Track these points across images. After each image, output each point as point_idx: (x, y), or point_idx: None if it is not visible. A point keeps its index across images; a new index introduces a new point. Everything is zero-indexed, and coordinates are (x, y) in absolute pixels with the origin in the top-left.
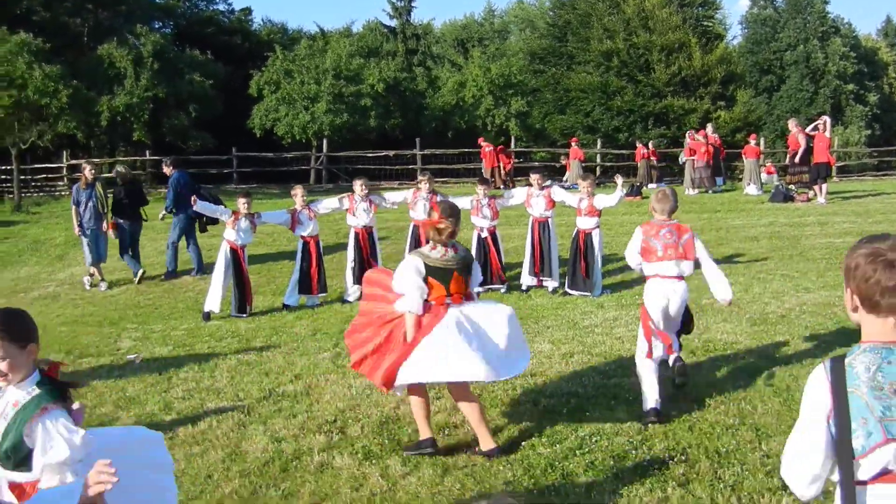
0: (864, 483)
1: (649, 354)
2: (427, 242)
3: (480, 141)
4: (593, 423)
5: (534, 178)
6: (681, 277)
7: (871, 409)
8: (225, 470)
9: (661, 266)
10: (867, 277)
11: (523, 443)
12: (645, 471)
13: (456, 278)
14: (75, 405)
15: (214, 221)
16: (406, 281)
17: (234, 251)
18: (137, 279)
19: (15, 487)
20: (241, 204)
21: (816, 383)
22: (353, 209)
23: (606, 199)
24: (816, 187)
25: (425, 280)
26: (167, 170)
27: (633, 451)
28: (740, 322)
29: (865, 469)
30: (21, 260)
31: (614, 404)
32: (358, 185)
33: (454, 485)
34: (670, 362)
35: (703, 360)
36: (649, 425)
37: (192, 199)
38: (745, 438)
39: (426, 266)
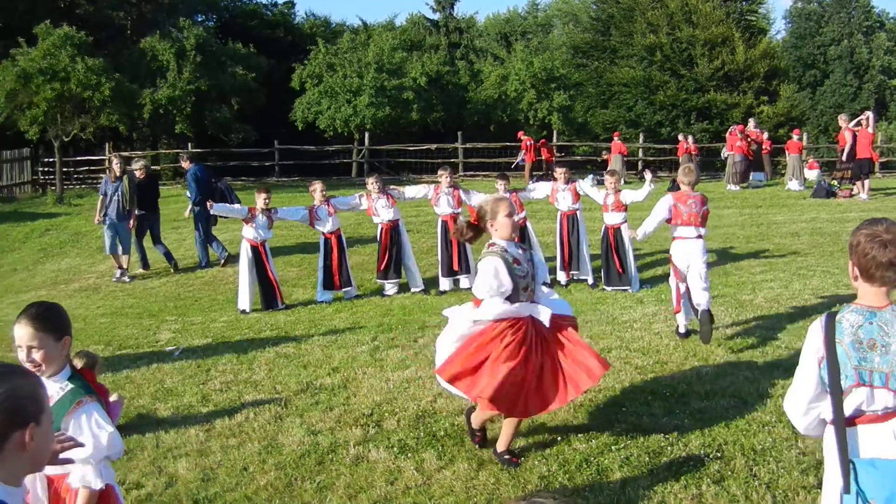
0: (850, 421)
1: (677, 309)
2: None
3: (520, 135)
4: (629, 418)
5: (559, 172)
6: (699, 237)
7: (850, 358)
8: (261, 462)
9: (684, 230)
10: (865, 253)
11: (559, 437)
12: (680, 467)
13: None
14: (113, 397)
15: None
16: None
17: (254, 248)
18: (141, 269)
19: (49, 481)
20: (262, 199)
21: (813, 334)
22: (372, 209)
23: (634, 195)
24: (859, 183)
25: None
26: (185, 164)
27: (669, 448)
28: (780, 318)
29: (847, 406)
30: (63, 251)
31: (651, 400)
32: (370, 183)
33: (489, 479)
34: (698, 312)
35: (741, 355)
36: (685, 430)
37: (209, 203)
38: (781, 436)
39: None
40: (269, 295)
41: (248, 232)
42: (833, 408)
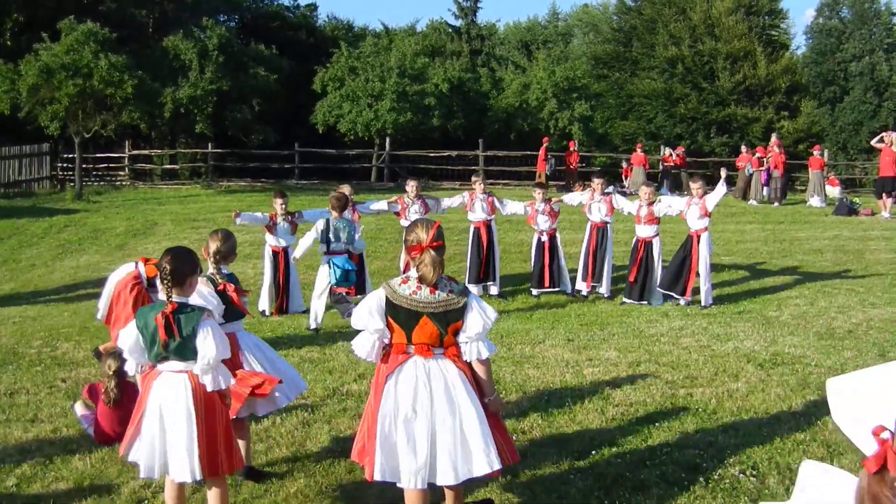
0: None
1: None
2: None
3: (545, 141)
4: (662, 433)
5: (596, 182)
6: None
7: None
8: (290, 469)
9: None
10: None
11: (593, 451)
12: (716, 484)
13: (423, 325)
14: None
15: None
16: (359, 318)
17: (275, 253)
18: None
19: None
20: (278, 205)
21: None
22: (405, 212)
23: (670, 210)
24: (880, 201)
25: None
26: None
27: (704, 465)
28: (807, 336)
29: None
30: (81, 248)
31: (683, 415)
32: (410, 186)
33: (525, 491)
34: None
35: (771, 372)
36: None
37: (234, 213)
38: (815, 455)
39: (388, 302)
40: (282, 300)
41: (270, 238)
42: None
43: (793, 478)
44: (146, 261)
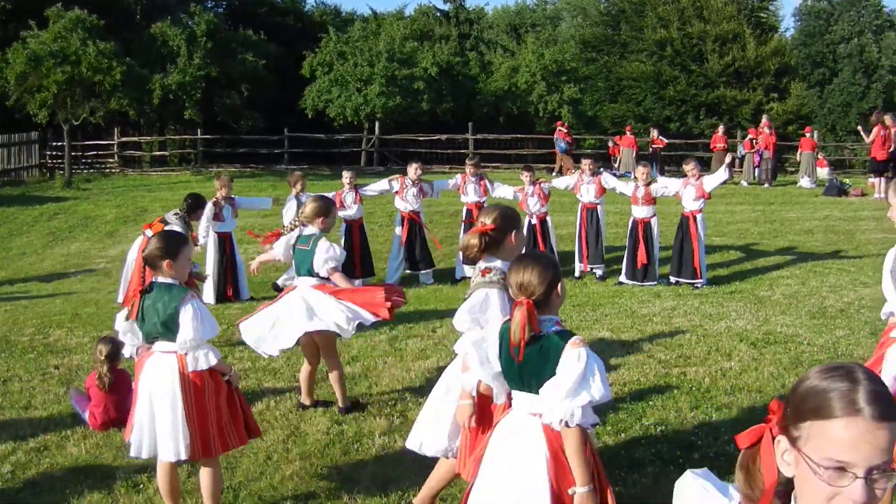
0: None
1: None
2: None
3: (559, 125)
4: (656, 412)
5: (585, 163)
6: None
7: None
8: (285, 451)
9: None
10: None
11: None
12: (712, 462)
13: None
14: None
15: None
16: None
17: (221, 238)
18: None
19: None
20: (224, 189)
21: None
22: (403, 193)
23: (666, 190)
24: (872, 182)
25: None
26: None
27: (699, 442)
28: (799, 315)
29: None
30: (72, 236)
31: (676, 394)
32: (412, 169)
33: None
34: None
35: (763, 351)
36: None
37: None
38: None
39: None
40: (230, 286)
41: (215, 224)
42: None
43: None
44: (150, 225)
